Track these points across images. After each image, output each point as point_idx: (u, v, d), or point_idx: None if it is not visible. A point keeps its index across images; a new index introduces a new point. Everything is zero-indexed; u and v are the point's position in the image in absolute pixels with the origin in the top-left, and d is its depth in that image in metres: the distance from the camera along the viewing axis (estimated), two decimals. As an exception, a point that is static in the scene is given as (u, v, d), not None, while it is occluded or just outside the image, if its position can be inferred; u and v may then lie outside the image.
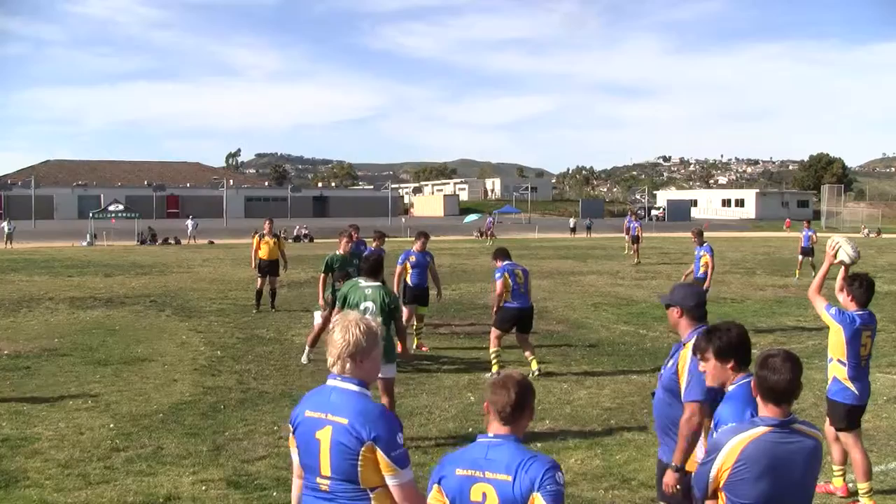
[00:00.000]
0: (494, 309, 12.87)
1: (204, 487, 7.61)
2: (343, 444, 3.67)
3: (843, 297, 7.58)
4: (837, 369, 7.46)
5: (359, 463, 3.66)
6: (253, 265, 20.69)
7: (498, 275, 12.79)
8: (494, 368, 12.46)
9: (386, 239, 16.96)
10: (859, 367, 7.43)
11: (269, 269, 20.10)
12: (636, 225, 38.99)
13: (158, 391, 11.50)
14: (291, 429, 3.94)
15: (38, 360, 13.63)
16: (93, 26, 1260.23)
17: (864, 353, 7.46)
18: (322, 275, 13.92)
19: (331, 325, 3.94)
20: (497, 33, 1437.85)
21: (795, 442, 3.91)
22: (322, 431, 3.74)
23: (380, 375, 8.59)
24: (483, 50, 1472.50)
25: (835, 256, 7.60)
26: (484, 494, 3.51)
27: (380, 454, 3.65)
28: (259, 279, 20.17)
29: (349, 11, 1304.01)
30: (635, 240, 38.36)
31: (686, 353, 5.31)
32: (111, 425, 9.68)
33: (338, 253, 14.11)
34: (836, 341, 7.43)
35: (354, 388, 3.79)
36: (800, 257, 30.01)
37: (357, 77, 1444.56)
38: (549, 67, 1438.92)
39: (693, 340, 5.17)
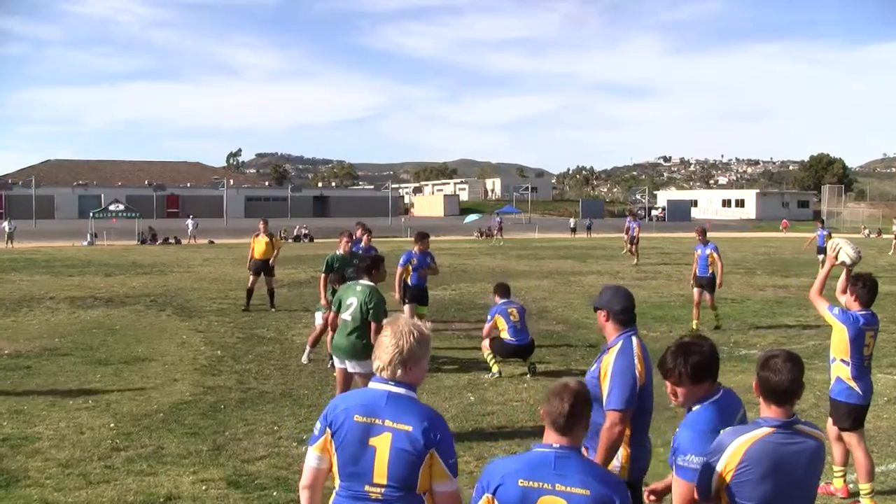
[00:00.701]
0: (487, 341, 13.04)
1: (204, 487, 7.62)
2: (407, 452, 3.59)
3: (846, 298, 7.60)
4: (841, 369, 7.46)
5: (420, 470, 3.61)
6: (248, 264, 20.83)
7: (490, 317, 13.09)
8: (494, 368, 12.62)
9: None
10: (862, 367, 7.44)
11: (263, 267, 20.25)
12: (635, 225, 39.04)
13: (159, 391, 11.51)
14: (327, 433, 3.75)
15: (38, 360, 13.63)
16: (92, 26, 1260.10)
17: (867, 352, 7.48)
18: (323, 275, 13.90)
19: (384, 329, 3.85)
20: (497, 33, 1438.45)
21: (799, 443, 3.91)
22: (379, 438, 3.63)
23: (361, 371, 8.79)
24: (483, 50, 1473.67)
25: (836, 258, 7.61)
26: None
27: (438, 461, 3.61)
28: (252, 277, 20.28)
29: (349, 11, 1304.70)
30: (633, 240, 38.38)
31: (609, 358, 5.12)
32: (111, 425, 9.68)
33: (338, 253, 14.06)
34: (840, 341, 7.43)
35: (407, 392, 3.74)
36: (820, 257, 30.45)
37: (357, 77, 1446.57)
38: (550, 67, 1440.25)
39: (619, 345, 5.10)
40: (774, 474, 3.83)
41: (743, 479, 3.83)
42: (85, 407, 10.45)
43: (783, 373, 3.90)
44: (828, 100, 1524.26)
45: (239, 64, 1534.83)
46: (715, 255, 17.64)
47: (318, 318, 13.98)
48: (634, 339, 5.25)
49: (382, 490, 3.64)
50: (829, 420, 7.70)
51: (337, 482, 3.78)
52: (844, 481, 7.72)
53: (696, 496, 3.94)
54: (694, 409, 4.24)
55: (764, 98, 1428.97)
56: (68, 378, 12.30)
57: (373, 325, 8.88)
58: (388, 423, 3.63)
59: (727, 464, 3.87)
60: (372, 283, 9.26)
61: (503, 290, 13.45)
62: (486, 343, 13.02)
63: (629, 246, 38.39)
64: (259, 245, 20.41)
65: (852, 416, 7.46)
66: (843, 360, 7.44)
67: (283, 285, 26.73)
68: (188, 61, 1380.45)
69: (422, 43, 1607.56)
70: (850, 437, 7.51)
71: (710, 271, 17.63)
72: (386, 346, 3.75)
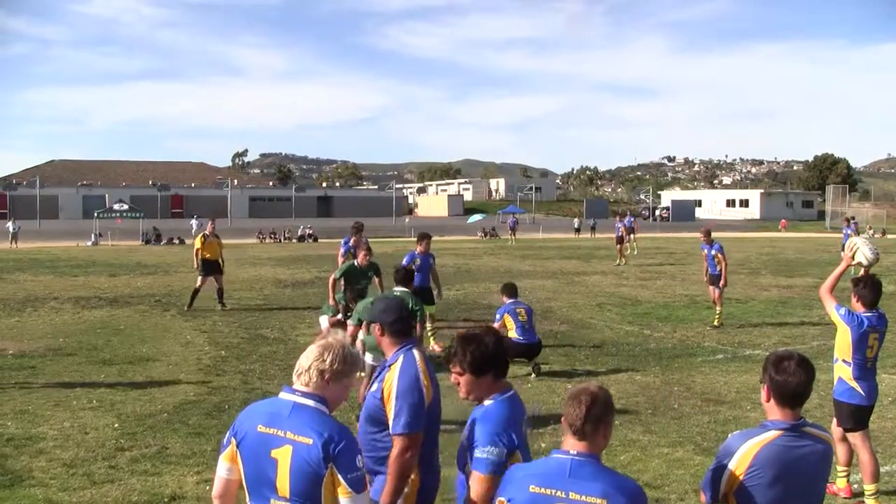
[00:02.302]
0: None
1: (208, 487, 7.59)
2: (308, 465, 3.45)
3: (851, 301, 7.58)
4: (843, 370, 7.46)
5: (323, 485, 3.47)
6: (196, 265, 20.68)
7: (498, 316, 13.21)
8: None
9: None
10: (865, 368, 7.43)
11: (212, 268, 20.35)
12: (619, 225, 39.05)
13: (163, 391, 11.51)
14: (233, 443, 3.64)
15: (43, 360, 13.64)
16: (97, 26, 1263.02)
17: (871, 354, 7.45)
18: (334, 278, 13.86)
19: (316, 340, 3.78)
20: (502, 33, 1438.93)
21: (807, 445, 3.89)
22: (280, 450, 3.49)
23: None
24: (488, 50, 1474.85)
25: (853, 258, 7.58)
26: None
27: (338, 476, 3.45)
28: (201, 278, 20.32)
29: (354, 11, 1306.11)
30: (619, 240, 38.33)
31: (392, 376, 4.60)
32: (116, 425, 9.69)
33: (356, 263, 13.97)
34: (843, 342, 7.43)
35: (315, 404, 3.57)
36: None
37: (362, 77, 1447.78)
38: (554, 67, 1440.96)
39: (400, 361, 4.64)
40: (784, 478, 3.81)
41: (753, 482, 3.81)
42: (89, 407, 10.45)
43: (796, 376, 3.88)
44: (832, 99, 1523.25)
45: (243, 64, 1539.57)
46: (720, 255, 17.90)
47: (324, 321, 13.95)
48: (415, 352, 4.75)
49: None
50: (834, 420, 7.69)
51: (247, 494, 3.65)
52: (848, 481, 7.71)
53: (493, 489, 3.75)
54: (487, 403, 4.13)
55: (768, 98, 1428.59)
56: (73, 378, 12.30)
57: (418, 326, 9.89)
58: (289, 434, 3.49)
59: (737, 468, 3.84)
60: (408, 290, 10.39)
61: (511, 290, 13.52)
62: None
63: (618, 247, 38.33)
64: (210, 246, 20.56)
65: (854, 416, 7.44)
66: (845, 361, 7.44)
67: (286, 285, 26.76)
68: (193, 61, 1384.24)
69: (426, 43, 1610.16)
70: (855, 438, 7.49)
71: (719, 269, 17.86)
72: (309, 353, 3.67)
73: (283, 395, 3.62)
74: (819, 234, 72.70)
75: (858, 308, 7.44)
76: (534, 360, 13.02)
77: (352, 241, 15.19)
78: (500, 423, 3.99)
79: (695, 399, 11.17)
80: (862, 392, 7.41)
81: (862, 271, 7.74)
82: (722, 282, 17.80)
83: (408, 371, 4.60)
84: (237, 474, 3.66)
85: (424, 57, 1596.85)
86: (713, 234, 19.09)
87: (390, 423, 4.49)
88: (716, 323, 17.56)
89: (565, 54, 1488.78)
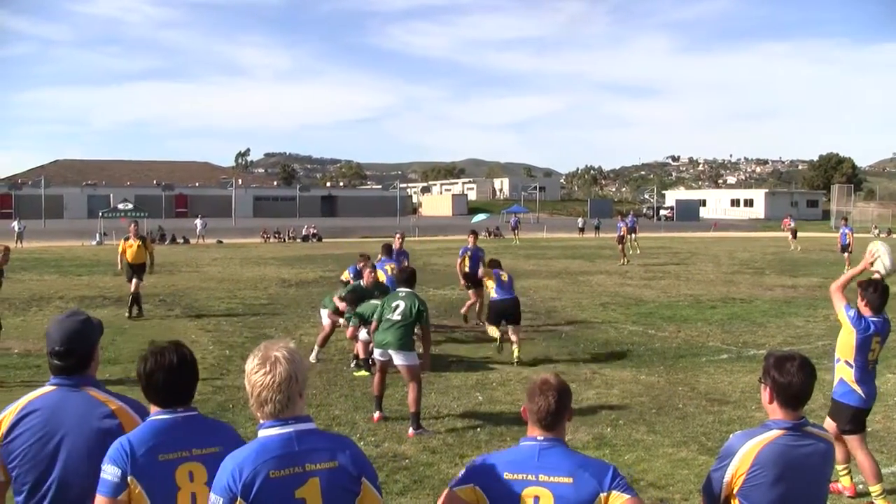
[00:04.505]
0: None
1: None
2: (341, 489, 3.21)
3: (858, 303, 7.58)
4: (845, 371, 7.46)
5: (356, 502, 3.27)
6: (119, 269, 19.98)
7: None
8: (494, 333, 14.23)
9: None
10: (866, 371, 7.44)
11: (134, 272, 19.33)
12: (621, 225, 39.01)
13: (167, 390, 11.49)
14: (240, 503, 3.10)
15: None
16: (100, 26, 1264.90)
17: (872, 357, 7.47)
18: (339, 297, 13.74)
19: (251, 360, 3.31)
20: (504, 33, 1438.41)
21: (809, 445, 3.90)
22: (305, 488, 3.15)
23: (405, 363, 9.83)
24: (491, 49, 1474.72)
25: (871, 264, 7.58)
26: (537, 498, 3.43)
27: (370, 488, 3.29)
28: (129, 283, 19.43)
29: (357, 11, 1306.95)
30: (620, 239, 38.32)
31: None
32: (120, 424, 9.70)
33: (361, 284, 13.89)
34: (846, 343, 7.43)
35: (314, 426, 3.31)
36: (845, 255, 32.62)
37: (365, 76, 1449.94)
38: (557, 67, 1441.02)
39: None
40: (787, 477, 3.81)
41: (755, 482, 3.82)
42: (94, 406, 10.46)
43: (799, 378, 3.88)
44: (837, 99, 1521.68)
45: (247, 64, 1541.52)
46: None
47: (324, 316, 14.00)
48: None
49: None
50: (827, 419, 7.67)
51: None
52: (851, 479, 7.70)
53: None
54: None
55: (773, 97, 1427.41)
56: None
57: (423, 328, 10.26)
58: (308, 467, 3.17)
59: (738, 467, 3.85)
60: (411, 290, 10.49)
61: (495, 263, 15.56)
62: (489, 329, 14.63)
63: (619, 247, 38.31)
64: (130, 249, 19.46)
65: (853, 419, 7.44)
66: (847, 363, 7.44)
67: (290, 285, 26.78)
68: (196, 61, 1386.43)
69: (430, 42, 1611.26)
70: (852, 440, 7.48)
71: None
72: (270, 378, 3.22)
73: (274, 431, 3.23)
74: (822, 234, 72.53)
75: (865, 311, 7.45)
76: (516, 355, 13.66)
77: (359, 265, 15.25)
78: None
79: (699, 399, 11.16)
80: (862, 395, 7.41)
81: (875, 275, 7.73)
82: None
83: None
84: None
85: (427, 56, 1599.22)
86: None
87: None
88: None
89: (568, 54, 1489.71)
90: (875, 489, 7.33)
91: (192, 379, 3.69)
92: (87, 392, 3.82)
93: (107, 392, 3.86)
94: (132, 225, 20.52)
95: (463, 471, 3.66)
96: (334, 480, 3.19)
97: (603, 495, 3.40)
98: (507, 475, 3.49)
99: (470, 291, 17.86)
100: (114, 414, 3.74)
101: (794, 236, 51.14)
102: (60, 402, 3.75)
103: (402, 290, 10.53)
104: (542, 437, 3.57)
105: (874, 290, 7.45)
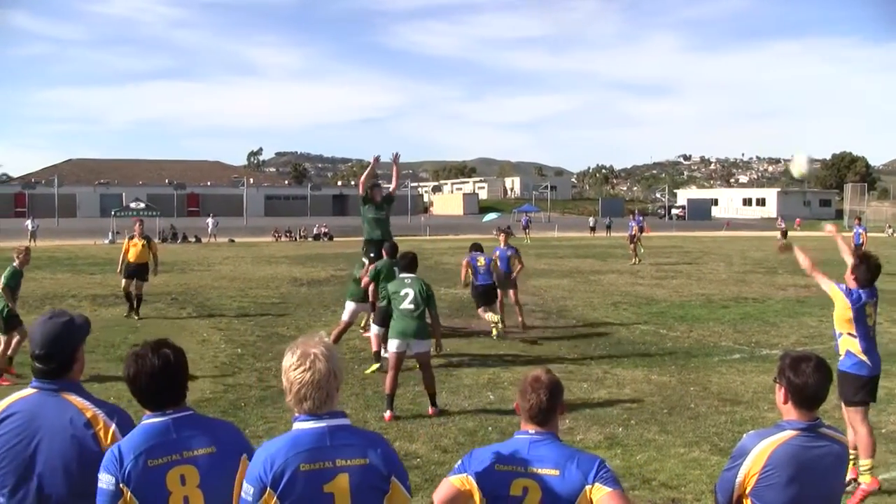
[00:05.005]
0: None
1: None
2: (370, 487, 3.25)
3: (847, 276, 7.85)
4: (851, 343, 7.60)
5: (385, 502, 3.32)
6: (119, 268, 19.47)
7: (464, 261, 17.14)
8: (495, 318, 15.84)
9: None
10: (869, 338, 7.63)
11: (136, 272, 18.98)
12: (633, 224, 38.85)
13: (179, 389, 11.52)
14: (271, 494, 3.17)
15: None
16: (114, 26, 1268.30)
17: (871, 323, 7.66)
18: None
19: (290, 357, 3.37)
20: (516, 32, 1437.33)
21: (823, 446, 3.88)
22: (333, 483, 3.20)
23: (423, 350, 10.21)
24: (502, 48, 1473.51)
25: (789, 164, 7.81)
26: (525, 489, 3.51)
27: (399, 487, 3.34)
28: (124, 280, 19.07)
29: (368, 10, 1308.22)
30: (631, 238, 38.20)
31: None
32: (134, 422, 9.71)
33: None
34: (842, 317, 7.63)
35: (347, 422, 3.36)
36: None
37: (377, 76, 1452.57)
38: (569, 66, 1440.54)
39: None
40: (800, 478, 3.79)
41: (768, 482, 3.80)
42: (106, 404, 10.48)
43: (814, 379, 3.87)
44: (850, 97, 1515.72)
45: (259, 63, 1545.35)
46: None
47: (348, 310, 14.07)
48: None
49: None
50: (844, 412, 7.67)
51: None
52: (871, 475, 7.62)
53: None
54: None
55: (785, 96, 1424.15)
56: (90, 375, 12.35)
57: (432, 313, 10.46)
58: (339, 462, 3.22)
59: (751, 468, 3.83)
60: (414, 275, 10.78)
61: (475, 247, 17.44)
62: (480, 312, 16.43)
63: (630, 246, 38.21)
64: (135, 248, 19.17)
65: (864, 388, 7.55)
66: (850, 334, 7.61)
67: (301, 284, 26.81)
68: (208, 60, 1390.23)
69: (441, 41, 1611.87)
70: (856, 413, 7.51)
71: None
72: (309, 374, 3.28)
73: (310, 424, 3.28)
74: (853, 232, 72.10)
75: (852, 285, 7.68)
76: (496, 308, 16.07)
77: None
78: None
79: (711, 399, 11.12)
80: (870, 363, 7.57)
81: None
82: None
83: None
84: None
85: (439, 55, 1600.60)
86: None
87: None
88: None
89: (580, 53, 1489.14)
90: (866, 463, 7.37)
91: (177, 380, 3.61)
92: (65, 398, 3.76)
93: (86, 397, 3.81)
94: (137, 224, 20.28)
95: (459, 461, 3.76)
96: (363, 477, 3.25)
97: (588, 487, 3.48)
98: (497, 466, 3.60)
99: (511, 293, 17.46)
100: (89, 422, 3.70)
101: (785, 236, 51.76)
102: (39, 406, 3.71)
103: (407, 276, 10.71)
104: (533, 431, 3.68)
105: (866, 266, 7.66)
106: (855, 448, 7.54)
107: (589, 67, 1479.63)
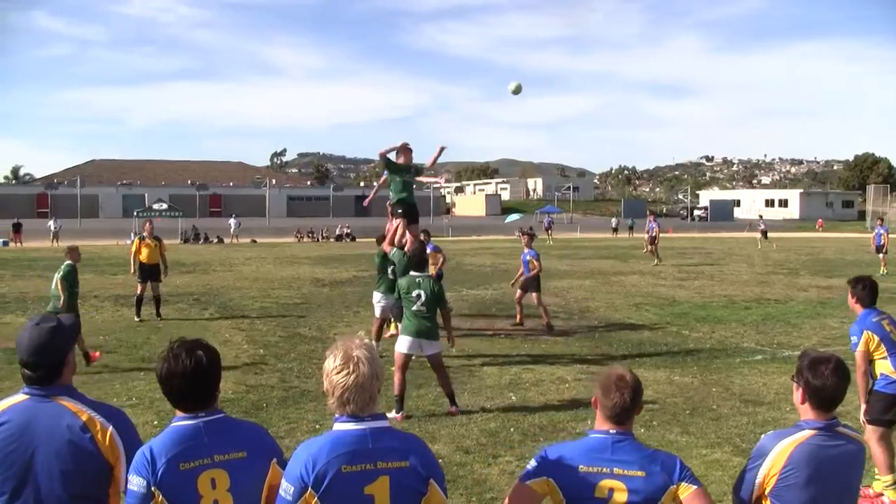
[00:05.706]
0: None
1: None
2: (409, 489, 3.26)
3: (849, 300, 7.75)
4: (884, 366, 7.50)
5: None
6: (133, 269, 19.27)
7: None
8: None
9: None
10: None
11: (150, 273, 18.87)
12: (654, 225, 38.60)
13: (202, 389, 11.57)
14: (312, 494, 3.18)
15: (82, 358, 13.78)
16: (135, 26, 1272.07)
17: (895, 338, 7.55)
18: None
19: (332, 360, 3.37)
20: (538, 32, 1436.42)
21: (840, 445, 3.88)
22: (374, 485, 3.21)
23: (435, 351, 10.29)
24: (524, 49, 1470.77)
25: None
26: (611, 491, 3.49)
27: (436, 489, 3.34)
28: (139, 285, 18.83)
29: (390, 10, 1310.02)
30: (652, 240, 38.00)
31: None
32: (155, 422, 9.74)
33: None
34: (870, 346, 7.51)
35: (388, 425, 3.38)
36: (880, 256, 32.58)
37: (398, 76, 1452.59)
38: (591, 66, 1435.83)
39: None
40: (819, 477, 3.79)
41: (787, 483, 3.79)
42: (129, 404, 10.50)
43: (833, 381, 3.86)
44: (873, 98, 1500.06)
45: (281, 63, 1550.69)
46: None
47: (377, 306, 14.55)
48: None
49: None
50: (868, 429, 7.57)
51: None
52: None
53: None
54: None
55: (808, 97, 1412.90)
56: (112, 376, 12.44)
57: (443, 312, 10.64)
58: (380, 465, 3.23)
59: (771, 468, 3.83)
60: (424, 273, 10.86)
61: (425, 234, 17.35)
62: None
63: (649, 246, 38.03)
64: (147, 249, 19.02)
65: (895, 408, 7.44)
66: (882, 358, 7.50)
67: (324, 284, 26.89)
68: (230, 61, 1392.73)
69: (463, 42, 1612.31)
70: (875, 432, 7.43)
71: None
72: (353, 375, 3.29)
73: (350, 426, 3.29)
74: (858, 235, 71.74)
75: (857, 308, 7.61)
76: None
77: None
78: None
79: (733, 400, 11.08)
80: None
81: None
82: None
83: None
84: None
85: (461, 56, 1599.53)
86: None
87: None
88: None
89: (601, 53, 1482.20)
90: (887, 479, 7.35)
91: (210, 382, 3.58)
92: (58, 402, 3.73)
93: (80, 400, 3.79)
94: (147, 223, 20.21)
95: (534, 463, 3.66)
96: (404, 480, 3.26)
97: (673, 487, 3.50)
98: (582, 468, 3.54)
99: (533, 295, 17.52)
100: (85, 426, 3.69)
101: (765, 237, 54.47)
102: (33, 412, 3.68)
103: (418, 276, 10.75)
104: (613, 431, 3.63)
105: (864, 286, 7.59)
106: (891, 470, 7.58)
107: (610, 68, 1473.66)
